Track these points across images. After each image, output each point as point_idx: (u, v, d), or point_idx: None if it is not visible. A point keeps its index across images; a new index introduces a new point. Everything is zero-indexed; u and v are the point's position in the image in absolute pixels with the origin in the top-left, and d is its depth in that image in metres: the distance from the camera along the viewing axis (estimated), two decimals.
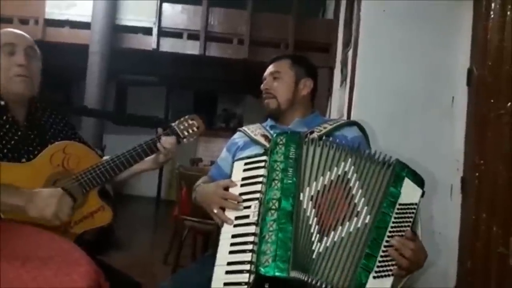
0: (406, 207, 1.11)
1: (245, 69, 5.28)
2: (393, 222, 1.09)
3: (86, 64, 4.36)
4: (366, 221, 1.09)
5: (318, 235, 1.08)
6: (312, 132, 1.36)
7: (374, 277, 1.05)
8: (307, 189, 1.12)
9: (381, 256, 1.07)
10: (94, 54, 4.35)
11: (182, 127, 1.44)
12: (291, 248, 1.04)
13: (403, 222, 1.10)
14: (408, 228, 1.10)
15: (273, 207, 1.09)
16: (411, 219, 1.11)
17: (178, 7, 4.65)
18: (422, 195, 1.15)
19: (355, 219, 1.10)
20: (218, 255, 1.12)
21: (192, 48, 4.60)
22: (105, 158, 1.40)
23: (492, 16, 2.02)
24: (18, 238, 0.98)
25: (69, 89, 6.36)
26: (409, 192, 1.12)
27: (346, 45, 3.66)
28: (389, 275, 1.06)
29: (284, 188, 1.11)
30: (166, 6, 4.60)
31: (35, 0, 4.57)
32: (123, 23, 4.58)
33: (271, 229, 1.06)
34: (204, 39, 4.55)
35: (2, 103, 1.25)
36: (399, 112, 2.47)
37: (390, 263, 1.07)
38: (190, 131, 1.44)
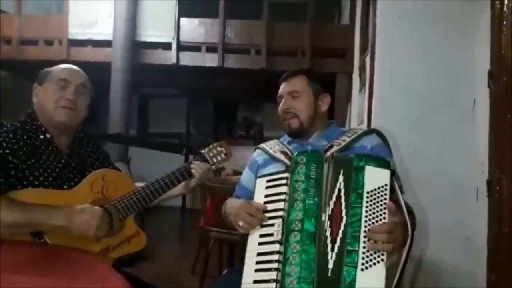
0: (376, 191, 1.13)
1: (263, 78, 5.33)
2: (366, 211, 1.11)
3: (109, 80, 4.50)
4: (344, 222, 1.11)
5: (331, 252, 1.10)
6: (331, 146, 1.37)
7: (363, 270, 1.06)
8: (327, 208, 1.14)
9: (363, 248, 1.08)
10: (116, 71, 4.48)
11: (211, 154, 1.51)
12: (315, 269, 1.07)
13: (377, 205, 1.12)
14: (385, 210, 1.11)
15: (296, 228, 1.12)
16: (385, 200, 1.12)
17: (196, 21, 4.75)
18: (393, 174, 1.16)
19: (341, 224, 1.12)
20: (244, 273, 1.15)
21: (210, 60, 4.69)
22: (138, 184, 1.47)
23: (505, 32, 2.02)
24: (64, 263, 1.04)
25: (95, 105, 6.51)
26: (374, 177, 1.14)
27: (363, 50, 3.66)
28: (378, 262, 1.07)
29: (306, 208, 1.14)
30: (184, 20, 4.70)
31: (58, 22, 4.75)
32: (143, 39, 4.71)
33: (294, 250, 1.10)
34: (222, 51, 4.63)
35: (48, 136, 1.34)
36: (419, 116, 2.46)
37: (374, 251, 1.08)
38: (219, 158, 1.52)
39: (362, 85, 3.58)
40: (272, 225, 1.18)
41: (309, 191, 1.15)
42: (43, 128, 1.34)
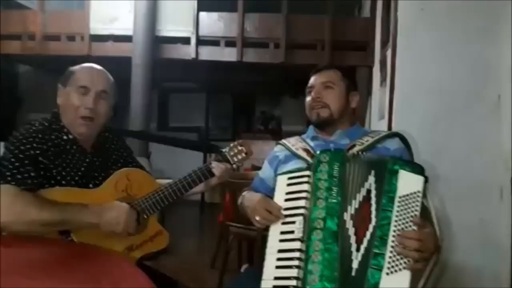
0: (408, 197, 1.13)
1: (282, 71, 5.31)
2: (397, 216, 1.11)
3: (129, 75, 4.55)
4: (374, 223, 1.12)
5: (356, 252, 1.11)
6: (353, 146, 1.36)
7: (388, 274, 1.06)
8: (349, 207, 1.15)
9: (391, 252, 1.08)
10: (137, 66, 4.53)
11: (232, 153, 1.52)
12: (337, 268, 1.07)
13: (408, 212, 1.12)
14: (416, 217, 1.11)
15: (319, 226, 1.13)
16: (417, 207, 1.12)
17: (215, 15, 4.74)
18: (426, 181, 1.15)
19: (370, 226, 1.12)
20: (265, 269, 1.16)
21: (229, 55, 4.69)
22: (160, 181, 1.49)
23: None
24: (90, 262, 1.07)
25: (117, 100, 6.60)
26: (408, 182, 1.14)
27: (384, 44, 3.60)
28: (404, 268, 1.07)
29: (328, 207, 1.14)
30: (202, 15, 4.70)
31: (80, 18, 4.81)
32: (163, 34, 4.73)
33: (317, 248, 1.11)
34: (241, 46, 4.62)
35: (71, 136, 1.36)
36: (442, 112, 2.42)
37: (401, 257, 1.08)
38: (240, 157, 1.52)
39: (383, 79, 3.53)
40: (293, 222, 1.19)
41: (332, 190, 1.16)
42: (66, 130, 1.36)
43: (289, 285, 1.10)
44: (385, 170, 1.16)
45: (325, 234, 1.11)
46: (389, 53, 3.18)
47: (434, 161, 2.24)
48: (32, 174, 1.23)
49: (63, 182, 1.29)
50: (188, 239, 4.59)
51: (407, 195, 1.13)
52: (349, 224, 1.13)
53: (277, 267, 1.15)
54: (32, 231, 1.18)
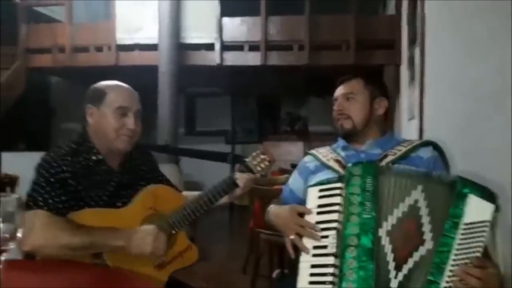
0: (473, 225, 1.05)
1: (307, 73, 5.27)
2: (459, 244, 1.05)
3: (156, 83, 4.62)
4: (430, 247, 1.07)
5: (394, 271, 1.07)
6: (386, 156, 1.33)
7: None
8: (385, 223, 1.12)
9: (447, 283, 1.03)
10: (163, 74, 4.60)
11: (255, 162, 1.51)
12: (373, 286, 1.05)
13: (472, 242, 1.05)
14: (480, 248, 1.04)
15: (352, 243, 1.10)
16: (482, 238, 1.05)
17: (237, 20, 4.76)
18: (497, 210, 1.06)
19: (421, 247, 1.07)
20: (299, 284, 1.15)
21: (253, 59, 4.69)
22: (185, 193, 1.50)
23: None
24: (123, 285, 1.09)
25: (143, 107, 6.72)
26: (476, 209, 1.06)
27: (412, 41, 3.52)
28: None
29: (362, 223, 1.11)
30: (225, 20, 4.73)
31: (106, 28, 4.92)
32: (187, 41, 4.78)
33: (351, 266, 1.08)
34: (264, 49, 4.62)
35: (100, 157, 1.37)
36: (475, 112, 2.33)
37: None
38: (263, 165, 1.51)
39: (411, 78, 3.45)
40: (326, 236, 1.16)
41: (365, 205, 1.12)
42: (95, 150, 1.37)
43: None
44: (453, 191, 1.09)
45: (359, 251, 1.09)
46: (417, 51, 3.11)
47: (466, 162, 2.17)
48: (63, 198, 1.25)
49: (92, 203, 1.31)
50: (219, 244, 4.61)
51: (473, 223, 1.05)
52: (386, 240, 1.10)
53: (311, 282, 1.13)
54: (62, 254, 1.21)
